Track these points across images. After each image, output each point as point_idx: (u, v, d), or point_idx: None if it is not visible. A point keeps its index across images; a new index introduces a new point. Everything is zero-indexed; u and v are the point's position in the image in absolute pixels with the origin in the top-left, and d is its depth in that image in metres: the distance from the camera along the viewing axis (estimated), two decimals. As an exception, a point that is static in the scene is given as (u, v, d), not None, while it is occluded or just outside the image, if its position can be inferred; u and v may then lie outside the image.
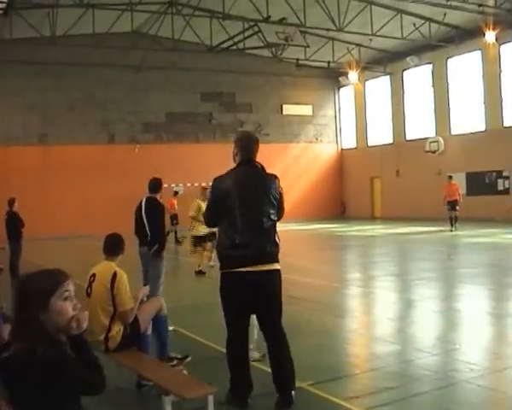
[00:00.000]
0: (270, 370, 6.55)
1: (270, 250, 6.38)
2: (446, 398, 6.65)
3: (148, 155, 38.25)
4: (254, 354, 7.71)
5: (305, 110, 45.25)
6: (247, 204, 6.43)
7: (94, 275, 7.13)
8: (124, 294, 6.97)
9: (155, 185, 10.75)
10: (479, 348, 8.72)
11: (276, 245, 6.48)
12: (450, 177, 29.62)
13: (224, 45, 33.35)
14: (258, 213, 6.40)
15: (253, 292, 6.32)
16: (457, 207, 28.10)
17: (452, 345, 8.88)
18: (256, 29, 31.40)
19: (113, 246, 7.40)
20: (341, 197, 45.97)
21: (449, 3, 28.34)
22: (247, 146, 7.11)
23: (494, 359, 8.26)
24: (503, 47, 34.18)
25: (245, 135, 7.76)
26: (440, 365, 7.91)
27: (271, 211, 6.47)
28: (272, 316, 6.53)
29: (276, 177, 6.93)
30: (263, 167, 7.04)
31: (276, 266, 6.49)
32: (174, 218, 28.98)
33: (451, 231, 27.35)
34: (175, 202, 29.79)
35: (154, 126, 39.75)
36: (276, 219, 6.53)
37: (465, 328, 10.25)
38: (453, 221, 28.04)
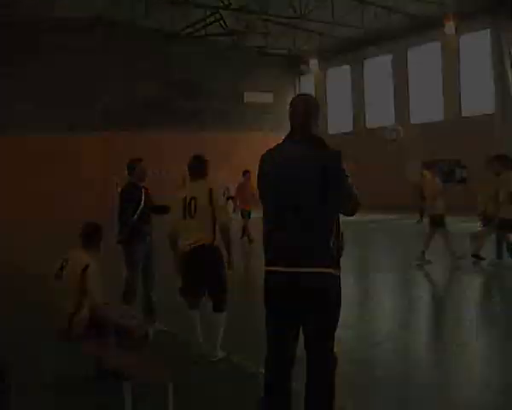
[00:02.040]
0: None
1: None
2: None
3: (109, 143, 37.96)
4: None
5: (266, 98, 45.24)
6: None
7: (67, 260, 7.20)
8: (93, 287, 6.98)
9: (128, 168, 10.21)
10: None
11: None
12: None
13: (185, 32, 33.26)
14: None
15: None
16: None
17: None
18: (218, 16, 31.37)
19: (86, 236, 7.42)
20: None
21: (410, -6, 28.64)
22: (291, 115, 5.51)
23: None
24: (462, 38, 34.57)
25: (293, 99, 5.53)
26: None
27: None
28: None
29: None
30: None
31: None
32: None
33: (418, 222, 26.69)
34: None
35: (114, 114, 39.38)
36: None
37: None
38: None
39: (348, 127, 43.23)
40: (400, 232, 25.63)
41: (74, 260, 7.11)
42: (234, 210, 24.28)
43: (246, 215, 22.78)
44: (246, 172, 23.67)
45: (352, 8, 32.86)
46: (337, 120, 44.39)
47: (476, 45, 34.49)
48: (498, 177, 14.22)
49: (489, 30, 32.93)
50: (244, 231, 22.79)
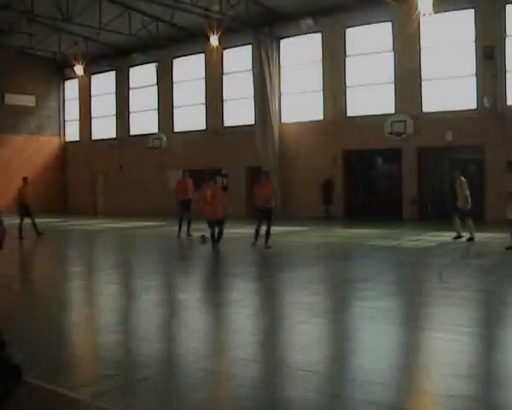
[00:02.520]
0: None
1: None
2: (168, 381, 7.02)
3: None
4: None
5: (28, 100, 43.88)
6: None
7: None
8: None
9: None
10: (198, 334, 9.22)
11: None
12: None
13: None
14: None
15: None
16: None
17: (173, 333, 9.33)
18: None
19: None
20: (64, 191, 45.25)
21: (177, 5, 29.10)
22: None
23: (212, 343, 8.82)
24: (226, 51, 35.78)
25: None
26: (162, 352, 8.28)
27: None
28: None
29: None
30: None
31: None
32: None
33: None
34: None
35: None
36: None
37: (186, 317, 10.70)
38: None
39: (112, 133, 43.00)
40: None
41: None
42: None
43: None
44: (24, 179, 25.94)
45: (120, 15, 32.84)
46: (101, 126, 44.04)
47: (239, 59, 35.87)
48: None
49: (251, 45, 34.36)
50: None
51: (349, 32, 31.63)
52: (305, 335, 9.02)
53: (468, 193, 19.56)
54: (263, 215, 19.62)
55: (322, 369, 7.38)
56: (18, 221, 24.14)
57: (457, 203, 19.77)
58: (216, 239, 18.67)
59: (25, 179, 25.83)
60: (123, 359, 7.99)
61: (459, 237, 19.76)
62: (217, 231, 18.65)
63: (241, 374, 7.19)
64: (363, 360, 7.63)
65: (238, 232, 25.89)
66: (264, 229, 19.48)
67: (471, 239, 19.40)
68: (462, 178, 19.82)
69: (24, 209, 24.74)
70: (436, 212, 28.64)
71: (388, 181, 30.70)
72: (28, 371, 7.00)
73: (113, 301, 12.36)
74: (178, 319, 10.57)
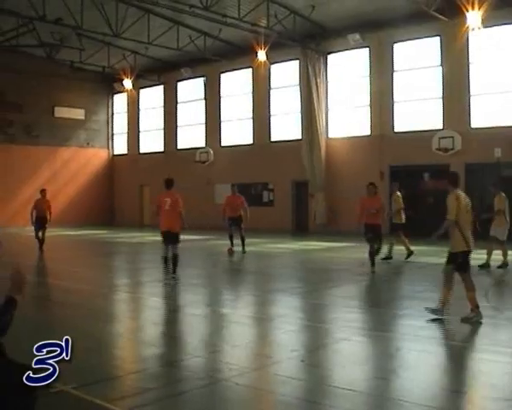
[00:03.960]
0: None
1: None
2: (206, 396, 6.99)
3: None
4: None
5: (78, 114, 44.49)
6: None
7: None
8: None
9: None
10: (239, 349, 9.17)
11: None
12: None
13: (-4, 41, 32.09)
14: None
15: None
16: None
17: (214, 347, 9.29)
18: (31, 27, 30.53)
19: None
20: (111, 204, 45.67)
21: (224, 20, 29.20)
22: None
23: (252, 358, 8.76)
24: (273, 66, 35.85)
25: None
26: (202, 366, 8.25)
27: None
28: None
29: None
30: None
31: None
32: None
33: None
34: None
35: None
36: None
37: (227, 331, 10.67)
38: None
39: (159, 147, 43.37)
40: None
41: None
42: (32, 223, 24.73)
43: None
44: (42, 190, 25.32)
45: (168, 30, 33.10)
46: (148, 140, 44.46)
47: (286, 74, 35.93)
48: None
49: (298, 60, 34.38)
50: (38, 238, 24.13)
51: (396, 46, 31.42)
52: (347, 353, 8.92)
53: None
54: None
55: (365, 388, 7.27)
56: (35, 234, 24.27)
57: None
58: (172, 266, 15.89)
59: (43, 192, 25.33)
60: (163, 372, 8.01)
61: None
62: (170, 254, 15.92)
63: (281, 391, 7.13)
64: (406, 380, 7.51)
65: (283, 247, 25.90)
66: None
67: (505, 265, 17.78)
68: (503, 194, 18.74)
69: (43, 221, 24.36)
70: (483, 229, 28.17)
71: (435, 197, 30.31)
72: (68, 383, 7.09)
73: (156, 313, 12.40)
74: (220, 334, 10.54)
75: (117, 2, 29.41)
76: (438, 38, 29.89)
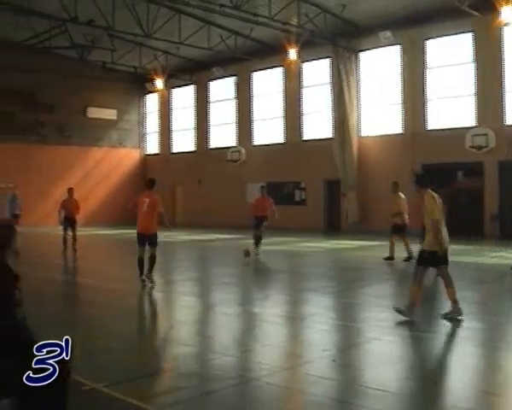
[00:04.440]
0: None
1: None
2: (237, 395, 6.97)
3: None
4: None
5: (110, 114, 44.79)
6: None
7: None
8: None
9: None
10: (270, 348, 9.14)
11: None
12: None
13: (29, 42, 32.38)
14: None
15: None
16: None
17: (245, 346, 9.27)
18: (63, 28, 30.79)
19: None
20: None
21: (255, 19, 29.21)
22: None
23: (284, 358, 8.73)
24: (304, 65, 35.82)
25: None
26: (233, 365, 8.22)
27: None
28: None
29: None
30: None
31: None
32: None
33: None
34: None
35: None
36: None
37: (259, 330, 10.65)
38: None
39: (190, 147, 43.50)
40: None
41: None
42: (60, 223, 24.36)
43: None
44: (70, 189, 25.06)
45: (199, 29, 33.17)
46: (180, 139, 44.62)
47: (317, 72, 35.84)
48: None
49: (329, 58, 34.27)
50: (65, 243, 23.66)
51: (429, 43, 31.17)
52: (378, 352, 8.84)
53: None
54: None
55: (396, 389, 7.19)
56: (62, 233, 23.91)
57: None
58: (148, 266, 14.87)
59: (70, 190, 25.02)
60: (194, 371, 7.98)
61: None
62: (149, 254, 14.94)
63: (312, 391, 7.08)
64: (438, 381, 7.42)
65: (315, 246, 25.82)
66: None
67: None
68: None
69: (71, 221, 24.01)
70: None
71: (469, 196, 30.00)
72: (99, 381, 7.13)
73: (187, 312, 12.40)
74: (252, 333, 10.52)
75: (148, 3, 29.56)
76: (471, 34, 29.59)
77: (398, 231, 19.49)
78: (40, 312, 10.73)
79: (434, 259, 10.50)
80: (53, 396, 4.93)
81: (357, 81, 33.89)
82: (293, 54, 33.16)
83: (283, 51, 33.25)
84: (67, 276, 18.98)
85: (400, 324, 10.30)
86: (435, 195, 10.85)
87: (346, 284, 15.61)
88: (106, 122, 44.51)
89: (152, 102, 46.81)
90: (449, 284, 10.61)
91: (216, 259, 23.25)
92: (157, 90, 43.80)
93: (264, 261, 21.02)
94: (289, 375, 7.87)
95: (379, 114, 33.61)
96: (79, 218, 24.80)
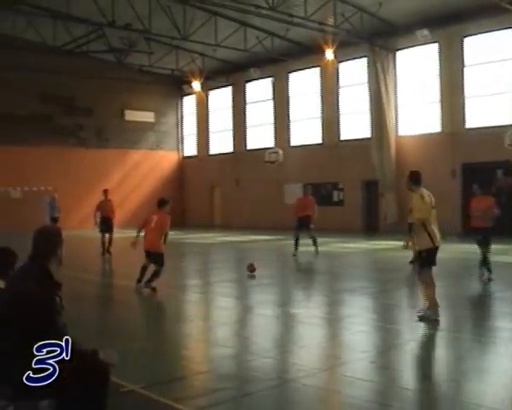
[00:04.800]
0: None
1: None
2: (274, 397, 6.96)
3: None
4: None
5: (148, 116, 45.02)
6: None
7: None
8: None
9: None
10: (308, 349, 9.10)
11: None
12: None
13: (68, 47, 32.69)
14: None
15: None
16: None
17: (283, 348, 9.25)
18: (100, 33, 31.04)
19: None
20: (182, 205, 45.96)
21: (291, 20, 29.17)
22: None
23: (321, 359, 8.69)
24: (341, 65, 35.68)
25: None
26: (271, 366, 8.20)
27: None
28: None
29: None
30: None
31: None
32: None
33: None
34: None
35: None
36: None
37: (297, 332, 10.62)
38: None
39: (228, 148, 43.57)
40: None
41: None
42: (95, 224, 24.36)
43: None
44: (105, 191, 24.99)
45: (235, 31, 33.23)
46: (218, 141, 44.70)
47: (354, 72, 35.68)
48: None
49: (366, 58, 34.09)
50: (103, 245, 23.64)
51: (467, 41, 30.84)
52: (418, 354, 8.76)
53: None
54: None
55: (435, 391, 7.12)
56: (100, 236, 23.94)
57: None
58: (149, 278, 14.53)
59: (105, 192, 24.85)
60: (232, 372, 8.00)
61: None
62: (154, 268, 14.65)
63: (349, 393, 7.04)
64: (478, 383, 7.34)
65: (353, 247, 25.72)
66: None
67: None
68: None
69: (107, 224, 23.86)
70: None
71: (510, 195, 29.60)
72: (137, 382, 7.16)
73: (226, 314, 12.40)
74: (290, 334, 10.51)
75: (184, 6, 29.68)
76: (510, 31, 29.19)
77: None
78: (77, 313, 10.82)
79: (432, 256, 10.56)
80: (92, 398, 4.98)
81: (395, 80, 33.65)
82: (329, 54, 33.09)
83: (320, 51, 33.20)
84: (105, 278, 19.14)
85: (435, 325, 10.22)
86: (426, 194, 10.82)
87: (385, 285, 15.51)
88: (143, 125, 44.77)
89: (189, 104, 46.98)
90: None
91: (253, 260, 23.20)
92: (194, 92, 44.03)
93: (303, 262, 20.97)
94: (327, 376, 7.84)
95: (417, 113, 33.32)
96: (116, 220, 24.80)
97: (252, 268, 16.57)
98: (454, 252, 22.15)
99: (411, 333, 9.99)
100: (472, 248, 19.92)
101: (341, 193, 36.13)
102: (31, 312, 4.92)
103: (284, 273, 19.07)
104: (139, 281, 14.45)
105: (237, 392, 7.11)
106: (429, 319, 10.33)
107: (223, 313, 12.51)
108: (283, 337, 10.25)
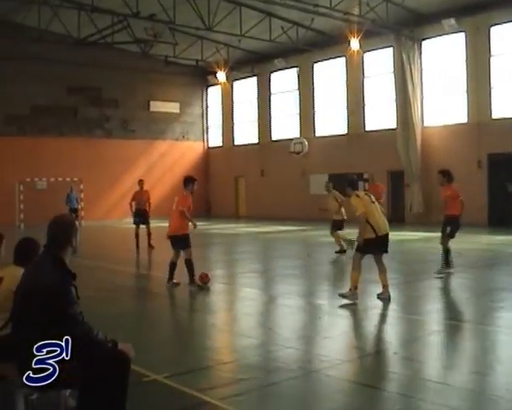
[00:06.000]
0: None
1: None
2: (296, 387, 6.98)
3: (10, 148, 37.13)
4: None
5: (173, 107, 45.14)
6: None
7: (0, 279, 6.42)
8: None
9: None
10: (331, 340, 9.12)
11: None
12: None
13: (92, 39, 32.79)
14: None
15: None
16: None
17: (306, 338, 9.27)
18: (125, 24, 31.12)
19: (23, 252, 6.63)
20: (207, 195, 46.07)
21: (316, 9, 29.07)
22: None
23: (344, 350, 8.70)
24: (366, 55, 35.47)
25: None
26: (293, 357, 8.22)
27: None
28: None
29: None
30: None
31: None
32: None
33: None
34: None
35: (17, 119, 38.44)
36: None
37: (320, 322, 10.61)
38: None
39: (253, 139, 43.56)
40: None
41: (11, 278, 6.40)
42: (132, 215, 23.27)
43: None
44: (140, 181, 24.08)
45: (260, 21, 33.18)
46: (243, 132, 44.71)
47: (380, 62, 35.49)
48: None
49: (392, 48, 33.88)
50: (137, 238, 22.70)
51: (494, 30, 30.54)
52: (441, 345, 8.75)
53: None
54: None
55: (459, 383, 7.09)
56: (134, 229, 23.05)
57: None
58: (188, 273, 13.84)
59: (141, 182, 23.85)
60: (256, 363, 8.02)
61: None
62: (184, 256, 13.93)
63: (372, 384, 7.03)
64: (502, 375, 7.30)
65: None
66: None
67: None
68: None
69: (141, 215, 23.02)
70: None
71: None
72: (161, 372, 7.22)
73: (250, 304, 12.44)
74: (313, 325, 10.51)
75: (209, -4, 29.69)
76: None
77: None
78: (99, 304, 10.90)
79: (369, 246, 11.63)
80: (113, 387, 5.02)
81: (420, 70, 33.40)
82: (354, 44, 32.94)
83: (345, 41, 33.06)
84: (136, 269, 19.21)
85: (352, 305, 10.97)
86: (362, 193, 12.25)
87: (410, 276, 15.44)
88: (169, 115, 44.88)
89: (214, 94, 46.99)
90: (382, 270, 11.83)
91: (278, 251, 23.23)
92: (219, 83, 44.06)
93: (328, 253, 20.94)
94: (349, 368, 7.85)
95: (443, 104, 33.08)
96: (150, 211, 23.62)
97: (204, 279, 13.93)
98: (481, 243, 22.04)
99: (435, 324, 9.95)
100: (498, 240, 19.83)
101: (367, 184, 35.97)
102: (46, 302, 4.96)
103: (308, 264, 19.04)
104: (169, 280, 13.90)
105: (261, 382, 7.13)
106: (346, 297, 11.55)
107: (246, 304, 12.54)
108: (306, 328, 10.27)
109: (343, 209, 19.48)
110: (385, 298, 11.69)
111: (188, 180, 14.52)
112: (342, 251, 19.20)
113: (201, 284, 13.67)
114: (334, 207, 19.62)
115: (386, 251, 11.93)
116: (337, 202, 19.50)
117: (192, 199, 14.32)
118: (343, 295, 11.58)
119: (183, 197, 14.22)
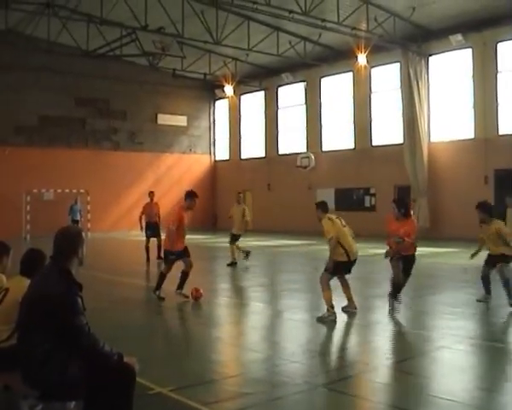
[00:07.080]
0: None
1: None
2: (302, 402, 6.97)
3: (18, 158, 37.23)
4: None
5: (180, 120, 45.25)
6: None
7: (7, 290, 6.48)
8: None
9: None
10: (336, 355, 9.13)
11: None
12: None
13: (101, 51, 32.91)
14: None
15: None
16: None
17: (312, 353, 9.25)
18: (133, 36, 31.22)
19: (30, 263, 6.63)
20: (213, 209, 46.09)
21: (324, 24, 29.13)
22: None
23: (350, 365, 8.68)
24: (373, 70, 35.55)
25: None
26: (299, 371, 8.21)
27: None
28: None
29: None
30: None
31: None
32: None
33: None
34: None
35: (25, 129, 38.58)
36: None
37: (325, 337, 10.61)
38: None
39: (260, 152, 43.61)
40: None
41: (18, 289, 6.44)
42: (141, 229, 23.14)
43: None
44: (151, 193, 24.03)
45: (268, 36, 33.28)
46: (249, 145, 44.78)
47: (387, 77, 35.54)
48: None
49: (399, 63, 33.92)
50: (147, 251, 22.52)
51: (501, 46, 30.58)
52: (448, 361, 8.72)
53: None
54: None
55: (465, 399, 7.07)
56: (144, 241, 22.84)
57: None
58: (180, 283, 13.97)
59: (151, 194, 23.71)
60: (261, 377, 8.01)
61: None
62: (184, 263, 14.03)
63: (377, 399, 7.03)
64: (510, 393, 7.28)
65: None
66: None
67: None
68: None
69: (153, 228, 22.75)
70: None
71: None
72: (166, 385, 7.22)
73: (255, 318, 12.45)
74: (318, 339, 10.50)
75: (217, 10, 29.75)
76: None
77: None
78: (107, 316, 10.90)
79: (340, 268, 11.95)
80: (118, 399, 5.03)
81: (428, 85, 33.45)
82: (362, 59, 33.01)
83: (352, 56, 33.15)
84: (148, 282, 19.20)
85: (357, 320, 10.17)
86: (333, 216, 12.21)
87: (416, 291, 15.39)
88: (176, 128, 44.99)
89: (222, 108, 47.12)
90: (346, 286, 12.27)
91: (285, 265, 23.25)
92: (226, 97, 44.17)
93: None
94: (354, 382, 7.83)
95: (450, 119, 33.10)
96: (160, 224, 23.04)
97: (197, 294, 13.61)
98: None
99: (442, 340, 9.92)
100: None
101: (373, 198, 35.99)
102: (52, 313, 4.97)
103: (314, 278, 18.96)
104: (178, 288, 13.89)
105: (266, 396, 7.12)
106: (325, 320, 11.35)
107: (253, 318, 12.56)
108: (312, 342, 10.23)
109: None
110: (351, 311, 12.08)
111: (189, 194, 14.52)
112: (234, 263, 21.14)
113: (193, 300, 13.52)
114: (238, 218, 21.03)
115: (350, 272, 12.25)
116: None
117: (192, 214, 14.29)
118: (321, 320, 11.43)
119: (175, 213, 14.22)
